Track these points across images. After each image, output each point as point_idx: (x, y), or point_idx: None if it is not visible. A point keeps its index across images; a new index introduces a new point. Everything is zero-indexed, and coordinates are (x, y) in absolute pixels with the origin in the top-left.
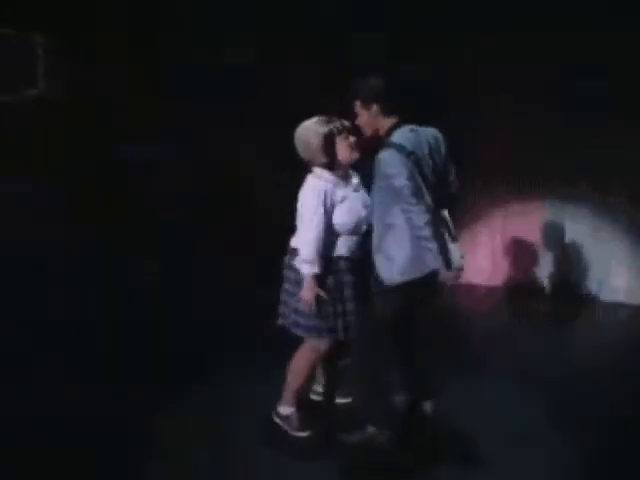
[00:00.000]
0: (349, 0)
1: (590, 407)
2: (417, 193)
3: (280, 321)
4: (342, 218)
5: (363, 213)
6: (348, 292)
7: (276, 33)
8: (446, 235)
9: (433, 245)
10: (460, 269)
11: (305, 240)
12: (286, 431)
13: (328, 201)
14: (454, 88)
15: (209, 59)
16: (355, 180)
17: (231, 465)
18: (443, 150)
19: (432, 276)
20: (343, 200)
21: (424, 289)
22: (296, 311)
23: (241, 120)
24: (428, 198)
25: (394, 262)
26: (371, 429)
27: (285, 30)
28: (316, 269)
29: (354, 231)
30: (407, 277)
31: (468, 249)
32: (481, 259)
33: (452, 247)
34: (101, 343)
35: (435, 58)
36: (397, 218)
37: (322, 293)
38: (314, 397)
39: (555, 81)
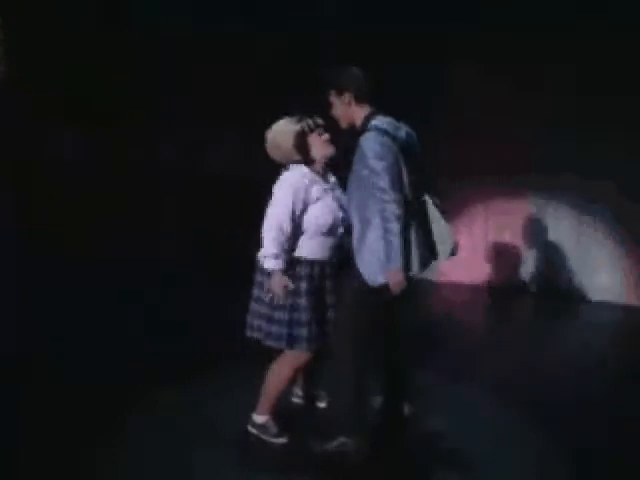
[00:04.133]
0: None
1: (575, 406)
2: (396, 181)
3: (248, 332)
4: (317, 218)
5: (340, 214)
6: (329, 298)
7: None
8: (437, 218)
9: (397, 242)
10: (454, 247)
11: (268, 234)
12: (262, 439)
13: (302, 198)
14: (439, 86)
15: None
16: (332, 179)
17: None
18: (417, 147)
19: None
20: (318, 199)
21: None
22: (268, 320)
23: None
24: (409, 188)
25: (378, 260)
26: (343, 439)
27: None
28: (280, 265)
29: (330, 232)
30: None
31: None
32: (464, 257)
33: (445, 226)
34: None
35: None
36: (375, 210)
37: (291, 285)
38: (295, 400)
39: (540, 78)
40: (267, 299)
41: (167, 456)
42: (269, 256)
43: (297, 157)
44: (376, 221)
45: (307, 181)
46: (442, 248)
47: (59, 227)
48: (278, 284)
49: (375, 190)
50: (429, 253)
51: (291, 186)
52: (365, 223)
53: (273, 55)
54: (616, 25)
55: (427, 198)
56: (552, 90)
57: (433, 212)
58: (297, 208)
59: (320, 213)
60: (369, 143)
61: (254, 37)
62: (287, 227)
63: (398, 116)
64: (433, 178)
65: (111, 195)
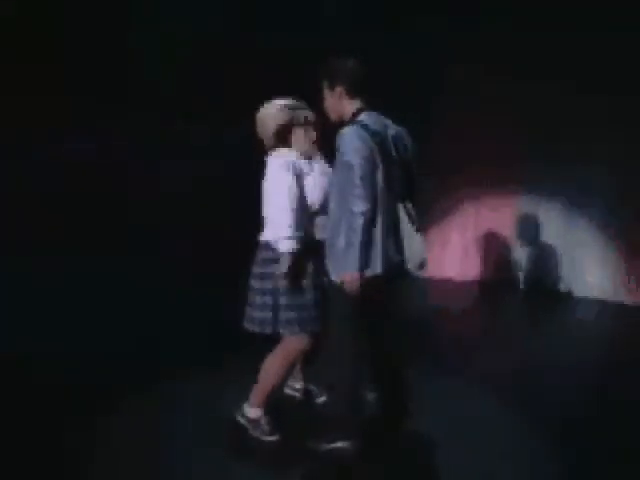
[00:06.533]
0: None
1: (574, 405)
2: (369, 178)
3: (247, 324)
4: (310, 192)
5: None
6: (316, 279)
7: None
8: (407, 227)
9: (357, 240)
10: (422, 261)
11: (281, 216)
12: (252, 435)
13: (296, 174)
14: (439, 86)
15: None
16: (321, 161)
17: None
18: (410, 148)
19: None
20: (308, 174)
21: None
22: (274, 307)
23: None
24: (383, 185)
25: (337, 255)
26: (341, 443)
27: None
28: (295, 245)
29: (323, 208)
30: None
31: (441, 243)
32: (455, 254)
33: (415, 238)
34: None
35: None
36: (346, 204)
37: (301, 271)
38: (290, 392)
39: (539, 78)
40: (279, 285)
41: (167, 456)
42: (283, 238)
43: (275, 144)
44: (346, 216)
45: (294, 158)
46: (409, 261)
47: (57, 225)
48: (289, 267)
49: (348, 184)
50: (399, 260)
51: (284, 165)
52: (341, 216)
53: (273, 55)
54: (616, 25)
55: (401, 206)
56: (552, 90)
57: (405, 222)
58: (295, 184)
59: (312, 187)
60: (346, 137)
61: (254, 37)
62: (294, 206)
63: (398, 116)
64: (431, 177)
65: (110, 194)
